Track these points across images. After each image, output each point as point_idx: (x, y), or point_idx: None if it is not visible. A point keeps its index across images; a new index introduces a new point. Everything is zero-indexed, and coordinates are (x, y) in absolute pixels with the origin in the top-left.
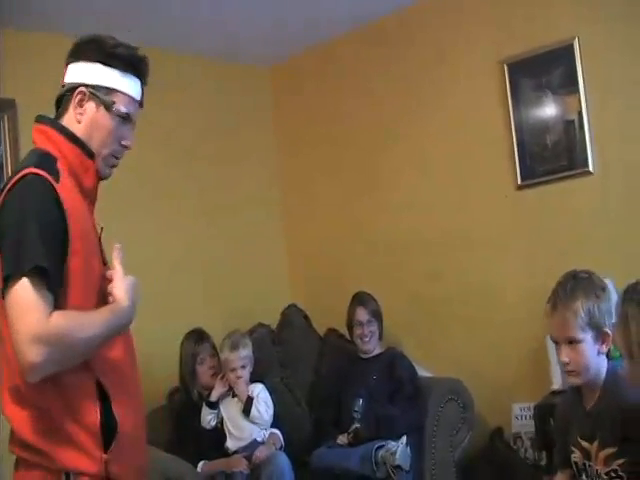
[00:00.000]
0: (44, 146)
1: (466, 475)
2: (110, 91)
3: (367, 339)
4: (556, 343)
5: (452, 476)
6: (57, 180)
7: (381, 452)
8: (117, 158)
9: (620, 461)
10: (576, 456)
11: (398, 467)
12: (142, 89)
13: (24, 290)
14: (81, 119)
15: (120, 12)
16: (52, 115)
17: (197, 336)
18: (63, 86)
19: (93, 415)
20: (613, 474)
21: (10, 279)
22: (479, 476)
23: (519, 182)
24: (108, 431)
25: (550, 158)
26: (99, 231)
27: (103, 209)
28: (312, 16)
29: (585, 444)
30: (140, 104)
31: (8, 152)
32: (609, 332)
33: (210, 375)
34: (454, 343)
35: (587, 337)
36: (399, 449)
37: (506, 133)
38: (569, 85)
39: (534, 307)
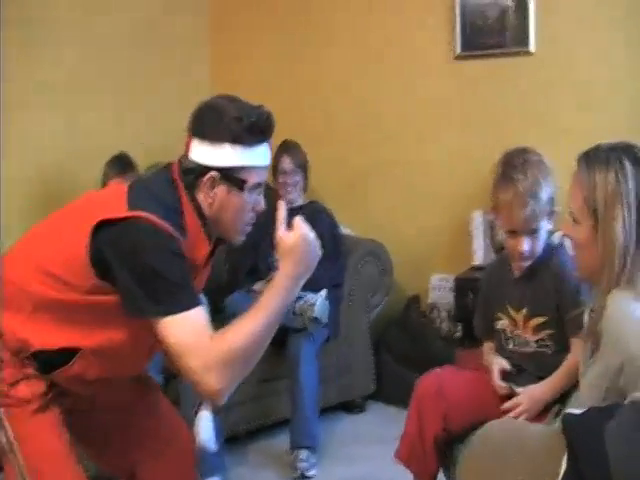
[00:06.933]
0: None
1: (379, 340)
2: (241, 169)
3: (290, 189)
4: (513, 232)
5: (366, 339)
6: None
7: (300, 303)
8: (250, 223)
9: (549, 331)
10: (503, 323)
11: (315, 319)
12: (269, 145)
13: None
14: (212, 203)
15: None
16: None
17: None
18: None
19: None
20: (542, 342)
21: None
22: (391, 342)
23: (458, 52)
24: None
25: (491, 33)
26: None
27: None
28: None
29: (512, 312)
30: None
31: None
32: (557, 210)
33: None
34: (378, 208)
35: (545, 222)
36: (318, 302)
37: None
38: None
39: (463, 180)
